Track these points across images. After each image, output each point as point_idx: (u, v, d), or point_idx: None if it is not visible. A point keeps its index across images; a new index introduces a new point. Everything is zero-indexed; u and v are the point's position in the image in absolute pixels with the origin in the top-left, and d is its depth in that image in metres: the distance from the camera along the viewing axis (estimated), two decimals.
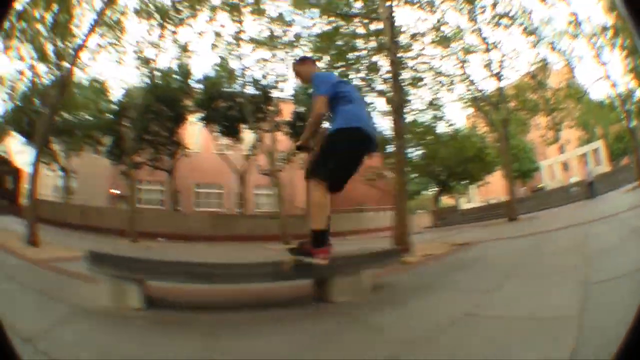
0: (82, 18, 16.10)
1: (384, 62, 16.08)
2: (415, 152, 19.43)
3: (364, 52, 16.83)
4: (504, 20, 16.47)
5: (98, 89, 24.14)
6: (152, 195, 30.15)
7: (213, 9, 18.30)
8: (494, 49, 15.49)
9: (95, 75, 22.94)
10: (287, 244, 14.28)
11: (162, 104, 22.59)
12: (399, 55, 12.64)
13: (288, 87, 21.37)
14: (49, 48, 17.79)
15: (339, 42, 16.59)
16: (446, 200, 27.63)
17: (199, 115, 23.37)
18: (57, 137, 26.49)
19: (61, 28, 16.51)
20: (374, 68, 16.51)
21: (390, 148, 17.20)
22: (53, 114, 8.40)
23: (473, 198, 27.74)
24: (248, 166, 22.46)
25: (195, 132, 26.22)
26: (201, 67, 36.67)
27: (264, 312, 3.07)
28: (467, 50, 16.80)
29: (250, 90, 21.49)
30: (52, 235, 8.32)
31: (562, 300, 2.69)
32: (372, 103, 19.91)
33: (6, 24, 12.71)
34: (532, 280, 3.70)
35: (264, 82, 21.44)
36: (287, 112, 21.68)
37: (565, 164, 24.61)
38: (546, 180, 25.46)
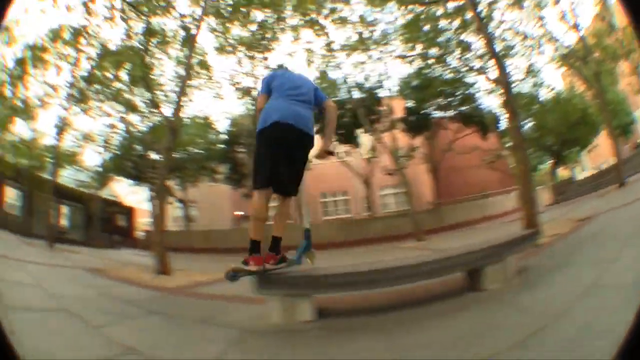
0: (162, 67, 18.34)
1: (473, 39, 16.67)
2: (525, 125, 18.56)
3: (452, 33, 17.30)
4: None
5: (202, 124, 26.61)
6: None
7: (294, 28, 19.28)
8: None
9: (196, 113, 25.43)
10: (420, 241, 14.65)
11: None
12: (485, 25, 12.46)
13: (392, 84, 21.42)
14: (136, 99, 20.80)
15: (426, 28, 17.25)
16: (562, 172, 25.32)
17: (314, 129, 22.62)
18: (169, 173, 27.72)
19: (142, 81, 19.01)
20: (465, 47, 17.16)
21: (503, 126, 16.71)
22: (169, 157, 9.78)
23: (586, 165, 25.24)
24: (370, 169, 23.13)
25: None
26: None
27: (424, 308, 3.39)
28: (539, 5, 15.71)
29: (356, 94, 22.25)
30: (180, 262, 9.08)
31: None
32: (474, 83, 19.43)
33: (5, 24, 14.18)
34: None
35: (367, 84, 22.28)
36: (398, 108, 21.58)
37: None
38: None
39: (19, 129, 26.01)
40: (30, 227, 22.98)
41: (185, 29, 15.15)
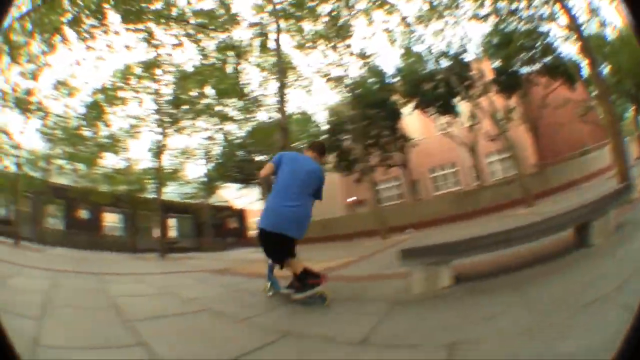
0: (248, 75, 19.27)
1: None
2: (604, 71, 17.03)
3: None
4: None
5: (303, 119, 27.63)
6: (390, 192, 33.76)
7: (365, 12, 19.56)
8: None
9: (294, 109, 26.57)
10: (530, 207, 14.45)
11: (372, 108, 25.83)
12: None
13: (475, 46, 21.12)
14: (228, 109, 22.30)
15: None
16: None
17: (411, 104, 25.54)
18: None
19: (232, 92, 20.17)
20: None
21: (586, 74, 15.74)
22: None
23: None
24: (473, 136, 22.71)
25: (413, 121, 28.73)
26: (390, 61, 38.06)
27: (546, 266, 3.72)
28: None
29: (444, 63, 23.23)
30: (302, 253, 9.43)
31: None
32: (549, 31, 18.67)
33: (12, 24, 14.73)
34: None
35: (451, 50, 23.10)
36: (488, 70, 21.14)
37: None
38: None
39: (110, 161, 28.54)
40: (135, 244, 25.59)
41: (260, 35, 15.93)
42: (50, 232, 29.01)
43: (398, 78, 25.53)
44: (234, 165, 31.59)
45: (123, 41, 20.73)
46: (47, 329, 2.89)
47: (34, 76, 18.82)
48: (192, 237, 36.61)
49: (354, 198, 33.55)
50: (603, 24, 17.28)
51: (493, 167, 27.55)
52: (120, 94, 23.70)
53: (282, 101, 10.77)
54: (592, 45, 14.62)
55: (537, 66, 22.61)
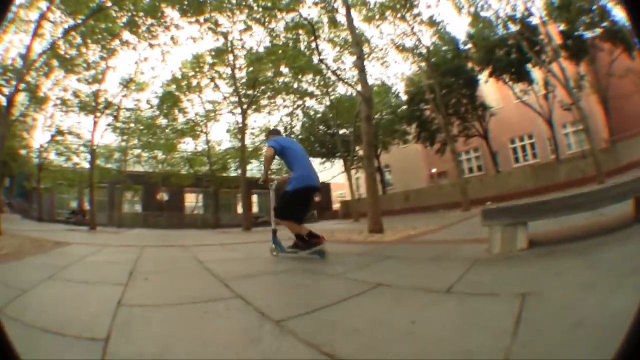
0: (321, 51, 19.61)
1: None
2: None
3: None
4: None
5: (381, 91, 27.84)
6: (471, 163, 34.89)
7: None
8: None
9: (372, 81, 27.08)
10: (601, 184, 14.03)
11: (450, 76, 25.69)
12: None
13: (538, 9, 20.88)
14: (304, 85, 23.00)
15: None
16: None
17: (487, 72, 24.74)
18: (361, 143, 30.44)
19: (308, 69, 20.55)
20: None
21: None
22: (369, 125, 10.29)
23: None
24: (549, 106, 22.01)
25: (490, 90, 26.75)
26: (460, 28, 37.41)
27: (609, 236, 3.85)
28: None
29: (512, 28, 23.02)
30: (385, 223, 9.68)
31: None
32: None
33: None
34: None
35: (517, 14, 23.02)
36: (555, 34, 20.80)
37: None
38: None
39: (190, 145, 31.75)
40: (217, 221, 27.90)
41: (328, 11, 16.04)
42: (129, 216, 31.87)
43: (470, 45, 25.40)
44: (316, 140, 32.61)
45: (187, 33, 21.80)
46: (134, 291, 3.05)
47: (96, 80, 20.18)
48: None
49: (436, 169, 33.68)
50: None
51: (567, 139, 27.88)
52: (194, 82, 25.00)
53: (362, 72, 10.87)
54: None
55: (597, 31, 22.25)
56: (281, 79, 24.87)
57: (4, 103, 12.60)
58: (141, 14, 16.47)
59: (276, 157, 5.67)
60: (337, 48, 23.12)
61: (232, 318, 2.23)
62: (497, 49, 24.32)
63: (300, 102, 29.08)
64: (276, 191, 6.16)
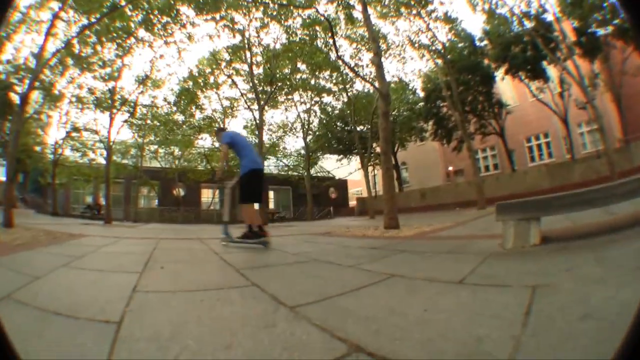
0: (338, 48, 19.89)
1: None
2: None
3: None
4: None
5: (397, 87, 28.03)
6: (487, 161, 34.83)
7: None
8: None
9: (388, 78, 27.28)
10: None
11: (466, 73, 24.17)
12: None
13: (552, 5, 20.74)
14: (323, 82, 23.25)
15: None
16: None
17: (503, 69, 26.08)
18: (378, 139, 30.44)
19: (323, 65, 20.68)
20: None
21: None
22: (386, 120, 10.29)
23: None
24: (564, 104, 22.03)
25: (507, 87, 26.72)
26: (475, 25, 37.34)
27: (621, 233, 3.88)
28: None
29: (527, 25, 22.84)
30: (401, 219, 9.80)
31: None
32: None
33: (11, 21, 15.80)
34: None
35: (532, 10, 22.80)
36: (569, 31, 20.59)
37: None
38: None
39: (207, 141, 32.53)
40: (235, 216, 26.87)
41: (345, 7, 16.11)
42: (145, 211, 32.40)
43: (486, 42, 25.35)
44: (333, 137, 32.89)
45: (204, 31, 22.08)
46: (150, 279, 3.12)
47: (112, 77, 20.54)
48: (292, 208, 39.11)
49: (452, 167, 33.75)
50: None
51: (583, 138, 27.88)
52: (211, 78, 25.28)
53: (379, 68, 10.92)
54: None
55: (610, 29, 22.12)
56: (298, 76, 25.23)
57: (18, 101, 12.90)
58: (156, 12, 16.74)
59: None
60: (354, 45, 23.28)
61: (247, 304, 2.25)
62: (513, 45, 24.36)
63: (317, 99, 29.38)
64: (232, 189, 7.10)
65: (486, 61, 26.74)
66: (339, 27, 20.83)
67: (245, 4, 18.89)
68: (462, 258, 4.04)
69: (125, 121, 23.35)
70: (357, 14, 16.14)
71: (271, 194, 39.99)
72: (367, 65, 23.53)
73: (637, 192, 4.03)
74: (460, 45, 26.23)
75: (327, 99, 30.09)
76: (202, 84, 25.88)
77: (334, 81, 26.76)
